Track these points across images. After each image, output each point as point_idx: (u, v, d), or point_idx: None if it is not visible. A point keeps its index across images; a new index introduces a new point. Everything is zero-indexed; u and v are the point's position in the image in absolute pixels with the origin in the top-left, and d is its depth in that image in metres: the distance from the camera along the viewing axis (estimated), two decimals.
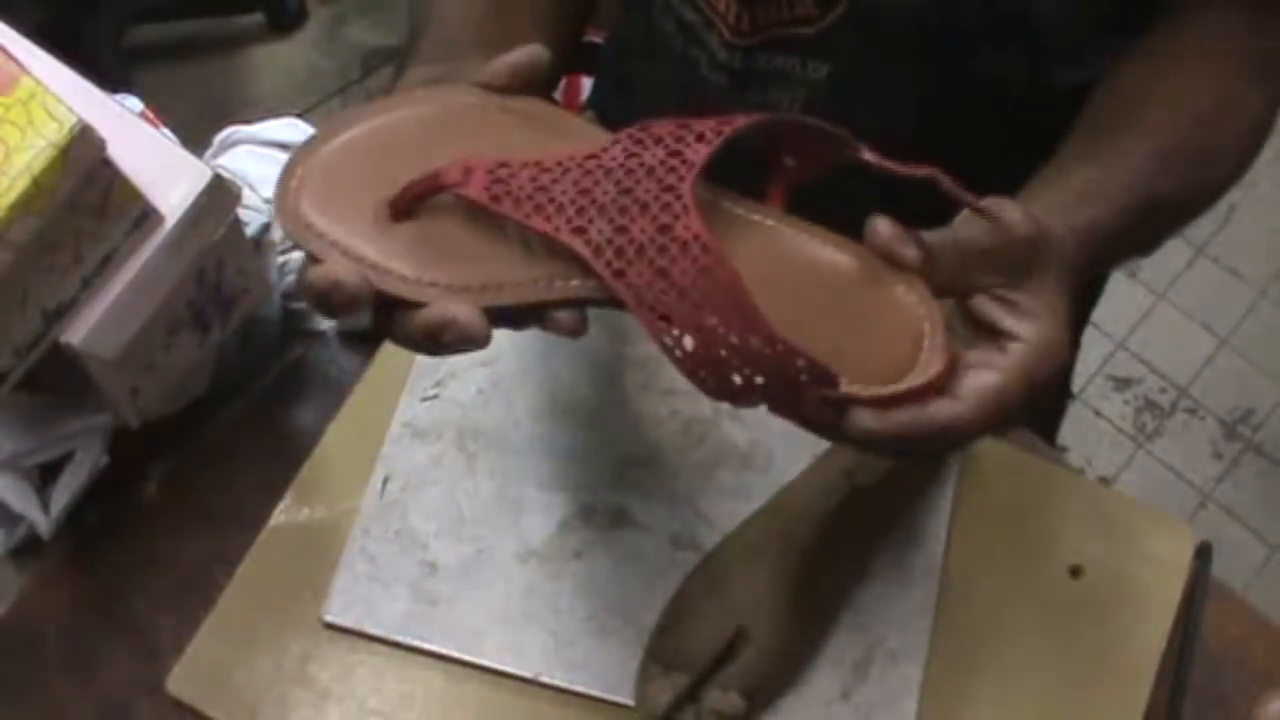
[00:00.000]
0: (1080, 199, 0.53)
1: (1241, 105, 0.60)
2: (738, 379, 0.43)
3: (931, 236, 0.47)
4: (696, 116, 0.47)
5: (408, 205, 0.46)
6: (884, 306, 0.47)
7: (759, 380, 0.43)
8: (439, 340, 0.44)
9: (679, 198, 0.43)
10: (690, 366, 0.44)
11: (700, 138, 0.45)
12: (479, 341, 0.44)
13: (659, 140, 0.45)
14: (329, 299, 0.44)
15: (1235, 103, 0.60)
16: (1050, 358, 0.47)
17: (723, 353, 0.43)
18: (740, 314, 0.42)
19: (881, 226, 0.46)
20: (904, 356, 0.46)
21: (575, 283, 0.45)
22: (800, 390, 0.44)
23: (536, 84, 0.50)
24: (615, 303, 0.45)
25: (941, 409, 0.45)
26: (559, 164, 0.46)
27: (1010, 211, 0.48)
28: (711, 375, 0.44)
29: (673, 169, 0.44)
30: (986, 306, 0.48)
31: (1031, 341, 0.47)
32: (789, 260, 0.48)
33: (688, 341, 0.43)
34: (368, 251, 0.45)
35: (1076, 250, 0.51)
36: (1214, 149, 0.59)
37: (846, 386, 0.44)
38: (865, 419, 0.44)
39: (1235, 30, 0.60)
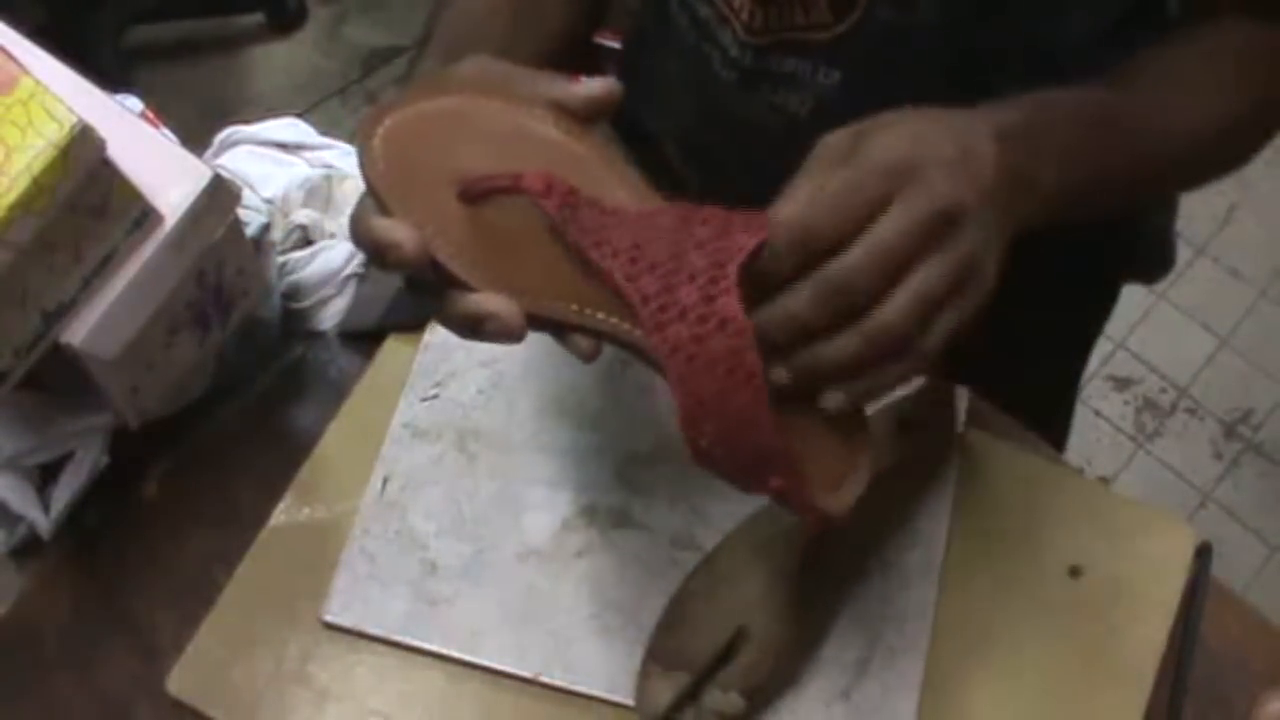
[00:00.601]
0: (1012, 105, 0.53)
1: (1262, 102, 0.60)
2: (705, 444, 0.49)
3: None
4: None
5: (481, 194, 0.48)
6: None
7: (720, 453, 0.49)
8: (478, 328, 0.46)
9: (725, 277, 0.46)
10: (684, 420, 0.48)
11: (745, 228, 0.47)
12: (515, 339, 0.46)
13: (706, 221, 0.48)
14: (384, 255, 0.45)
15: (1258, 102, 0.60)
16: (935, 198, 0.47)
17: (707, 427, 0.48)
18: (749, 401, 0.47)
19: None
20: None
21: (611, 319, 0.49)
22: (757, 481, 0.50)
23: (606, 114, 0.51)
24: (634, 348, 0.49)
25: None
26: (619, 211, 0.49)
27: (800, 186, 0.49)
28: (697, 434, 0.49)
29: (723, 248, 0.47)
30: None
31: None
32: None
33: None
34: (433, 221, 0.47)
35: (964, 119, 0.50)
36: (1229, 144, 0.59)
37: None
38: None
39: (1243, 34, 0.60)
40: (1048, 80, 0.55)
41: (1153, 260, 0.87)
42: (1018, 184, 0.49)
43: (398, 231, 0.45)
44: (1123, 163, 0.58)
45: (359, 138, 0.48)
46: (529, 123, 0.50)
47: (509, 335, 0.46)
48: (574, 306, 0.48)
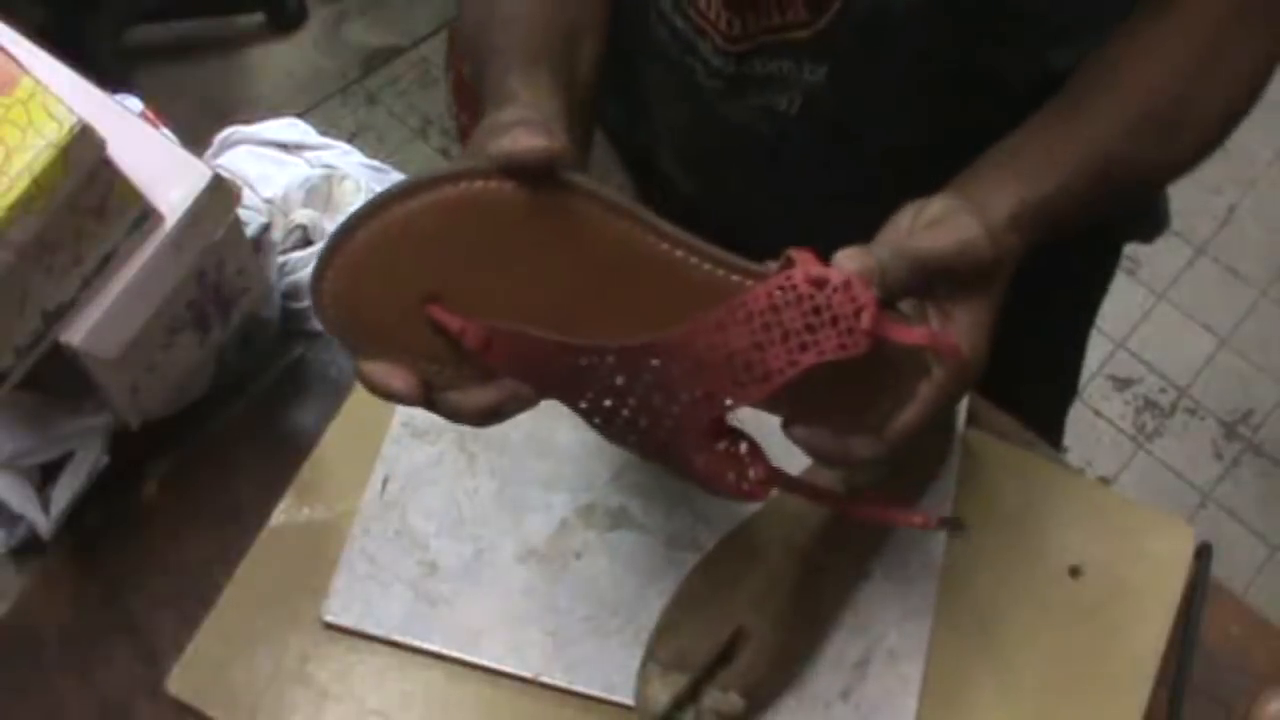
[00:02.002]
0: (1027, 173, 0.54)
1: (1215, 73, 0.59)
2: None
3: (883, 250, 0.48)
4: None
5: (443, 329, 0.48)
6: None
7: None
8: (500, 414, 0.49)
9: (684, 450, 0.48)
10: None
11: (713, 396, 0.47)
12: (532, 404, 0.49)
13: (662, 386, 0.47)
14: (387, 398, 0.48)
15: (1210, 66, 0.59)
16: (968, 381, 0.51)
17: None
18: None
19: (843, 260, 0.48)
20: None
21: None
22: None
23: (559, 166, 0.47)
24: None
25: (862, 447, 0.50)
26: (576, 350, 0.47)
27: (972, 230, 0.50)
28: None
29: (676, 430, 0.48)
30: (924, 311, 0.51)
31: (955, 368, 0.50)
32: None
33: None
34: (409, 347, 0.48)
35: (1019, 254, 0.52)
36: (1189, 112, 0.58)
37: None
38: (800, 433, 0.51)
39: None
40: (1024, 43, 0.54)
41: (1147, 220, 0.86)
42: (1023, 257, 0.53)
43: (393, 380, 0.47)
44: (1124, 194, 0.60)
45: (311, 293, 0.48)
46: (478, 212, 0.46)
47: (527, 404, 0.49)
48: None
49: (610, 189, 0.47)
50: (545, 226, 0.47)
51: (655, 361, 0.46)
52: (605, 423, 0.48)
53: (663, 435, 0.48)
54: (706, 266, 0.47)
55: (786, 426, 0.51)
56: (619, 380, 0.47)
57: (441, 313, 0.47)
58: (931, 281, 0.50)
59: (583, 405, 0.48)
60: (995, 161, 0.55)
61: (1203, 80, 0.58)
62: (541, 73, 0.52)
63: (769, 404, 0.49)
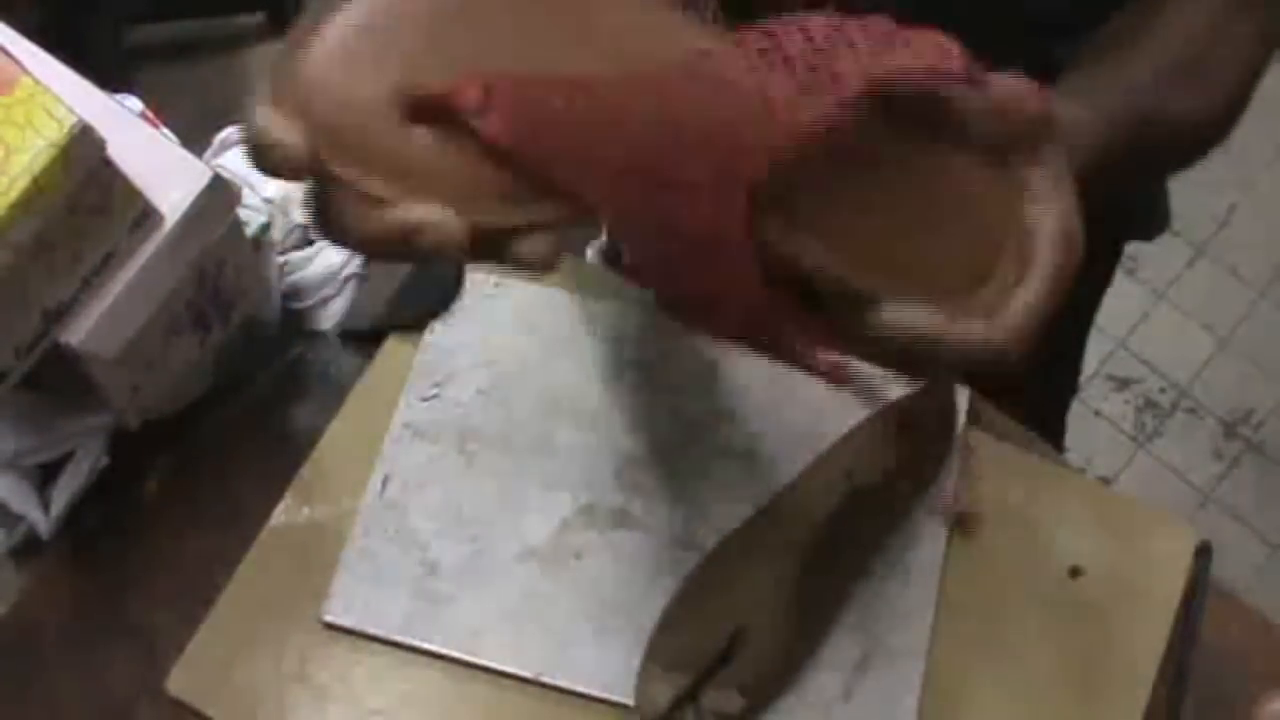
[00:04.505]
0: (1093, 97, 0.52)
1: (1231, 32, 0.60)
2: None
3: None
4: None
5: (424, 116, 0.38)
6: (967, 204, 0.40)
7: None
8: (411, 241, 0.38)
9: (731, 198, 0.35)
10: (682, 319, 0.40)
11: (773, 110, 0.36)
12: (457, 251, 0.38)
13: (730, 84, 0.36)
14: (265, 154, 0.37)
15: (1224, 29, 0.60)
16: (1075, 248, 0.41)
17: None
18: (756, 317, 0.38)
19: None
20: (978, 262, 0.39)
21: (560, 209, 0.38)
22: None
23: None
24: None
25: (974, 330, 0.40)
26: (600, 94, 0.37)
27: (1012, 84, 0.41)
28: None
29: (736, 150, 0.35)
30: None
31: (1054, 241, 0.41)
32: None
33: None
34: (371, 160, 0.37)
35: (1104, 128, 0.48)
36: (1210, 64, 0.59)
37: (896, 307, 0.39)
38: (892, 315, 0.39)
39: None
40: (1025, 39, 0.53)
41: (1148, 218, 0.86)
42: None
43: (284, 132, 0.36)
44: (1154, 155, 0.58)
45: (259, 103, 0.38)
46: None
47: (450, 248, 0.38)
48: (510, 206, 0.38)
49: None
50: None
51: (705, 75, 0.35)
52: (632, 216, 0.37)
53: (704, 213, 0.36)
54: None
55: (866, 311, 0.39)
56: (656, 130, 0.35)
57: (425, 84, 0.37)
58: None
59: (601, 188, 0.37)
60: None
61: (1227, 32, 0.59)
62: None
63: (841, 265, 0.38)
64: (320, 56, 0.38)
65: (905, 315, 0.39)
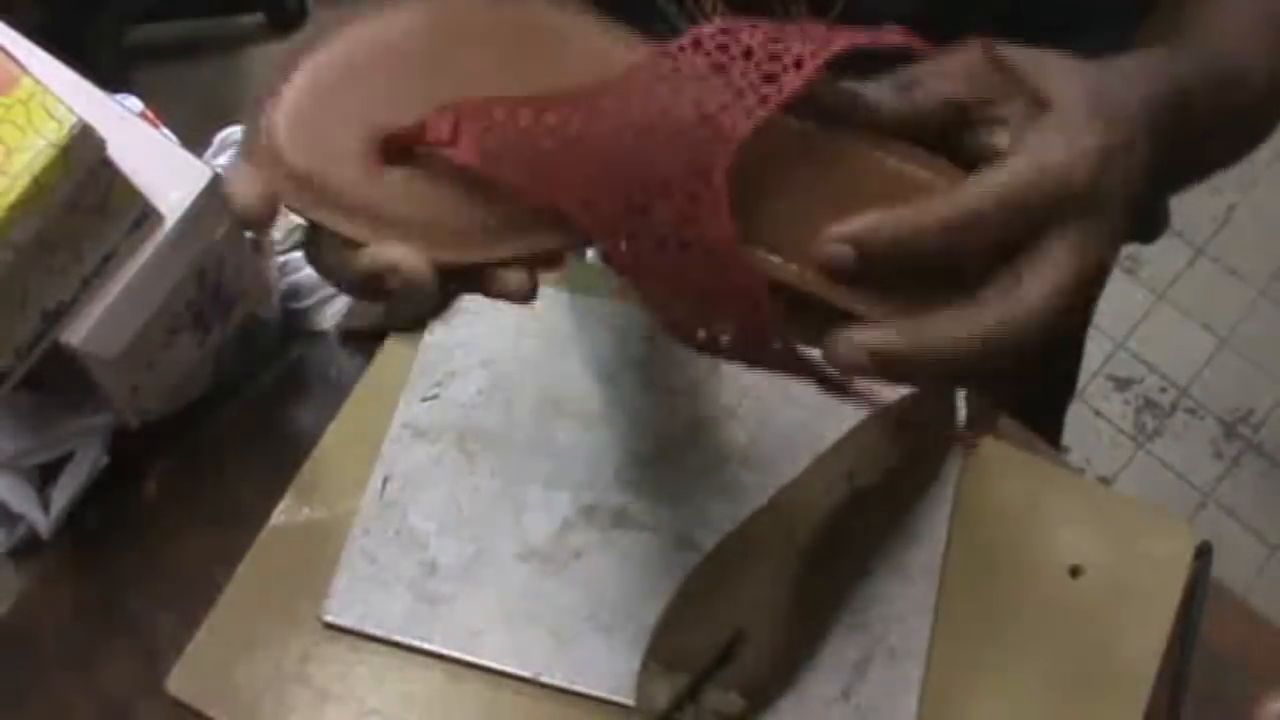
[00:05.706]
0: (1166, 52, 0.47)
1: None
2: (723, 342, 0.39)
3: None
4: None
5: (398, 154, 0.40)
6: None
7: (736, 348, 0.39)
8: (380, 284, 0.39)
9: (708, 185, 0.35)
10: (679, 334, 0.39)
11: (741, 94, 0.36)
12: (425, 285, 0.39)
13: (694, 78, 0.36)
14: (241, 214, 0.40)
15: None
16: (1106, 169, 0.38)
17: (723, 339, 0.39)
18: (754, 321, 0.38)
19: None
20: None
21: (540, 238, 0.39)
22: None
23: None
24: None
25: (941, 345, 0.38)
26: (566, 105, 0.37)
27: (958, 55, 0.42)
28: (697, 343, 0.39)
29: (708, 139, 0.35)
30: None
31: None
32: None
33: (700, 334, 0.39)
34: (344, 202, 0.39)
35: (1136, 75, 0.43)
36: None
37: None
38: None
39: None
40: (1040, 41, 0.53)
41: (1148, 220, 0.86)
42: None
43: (244, 186, 0.39)
44: (1240, 121, 0.53)
45: (243, 147, 0.41)
46: (444, 28, 0.41)
47: (419, 287, 0.39)
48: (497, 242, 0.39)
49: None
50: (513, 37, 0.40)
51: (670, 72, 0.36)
52: (611, 223, 0.38)
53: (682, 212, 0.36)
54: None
55: (841, 338, 0.38)
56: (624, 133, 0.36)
57: (395, 125, 0.39)
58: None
59: (576, 197, 0.38)
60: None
61: None
62: None
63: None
64: (290, 104, 0.40)
65: (869, 335, 0.38)
